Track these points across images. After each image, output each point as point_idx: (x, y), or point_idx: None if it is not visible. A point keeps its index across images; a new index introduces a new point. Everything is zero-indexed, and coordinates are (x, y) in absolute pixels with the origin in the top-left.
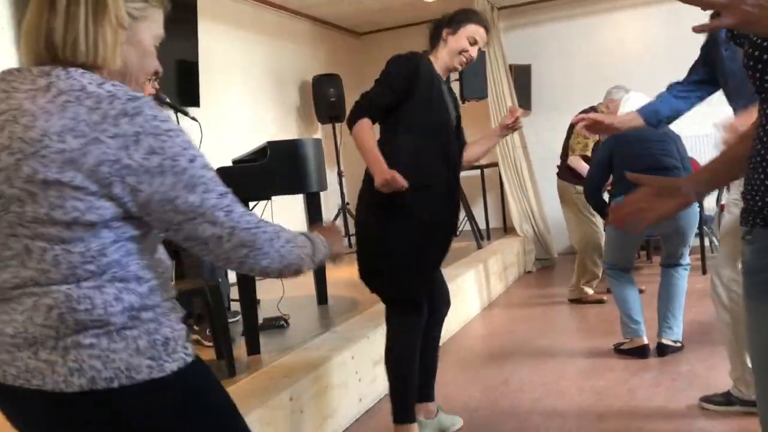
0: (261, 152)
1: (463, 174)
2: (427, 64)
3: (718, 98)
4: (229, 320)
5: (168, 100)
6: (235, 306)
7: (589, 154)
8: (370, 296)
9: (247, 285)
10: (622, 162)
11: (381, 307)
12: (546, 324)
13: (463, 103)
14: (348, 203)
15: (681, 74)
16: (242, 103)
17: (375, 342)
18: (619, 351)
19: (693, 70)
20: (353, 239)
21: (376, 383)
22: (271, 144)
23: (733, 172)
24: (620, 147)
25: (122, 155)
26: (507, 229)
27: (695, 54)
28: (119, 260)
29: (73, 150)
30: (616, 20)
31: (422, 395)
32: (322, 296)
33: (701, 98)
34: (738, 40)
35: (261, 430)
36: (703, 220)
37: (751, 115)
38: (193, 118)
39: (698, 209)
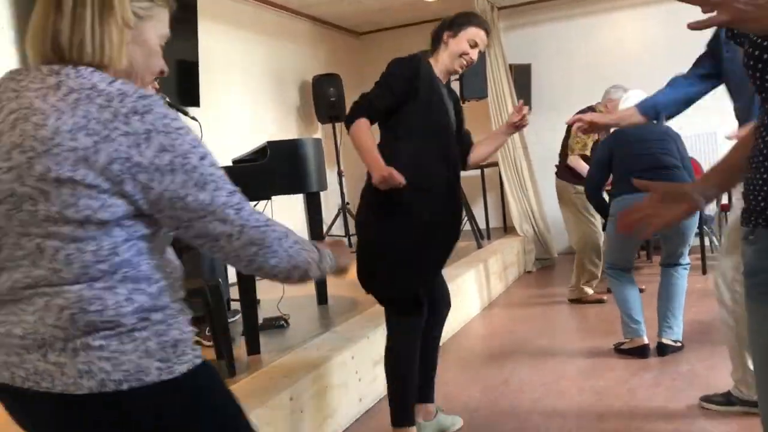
0: (261, 152)
1: (463, 174)
2: (426, 66)
3: (719, 97)
4: (229, 320)
5: (168, 99)
6: (235, 306)
7: (588, 153)
8: (370, 296)
9: (247, 285)
10: (621, 161)
11: (381, 307)
12: (546, 324)
13: (464, 102)
14: (348, 203)
15: (678, 73)
16: (242, 103)
17: (375, 342)
18: (620, 351)
19: (698, 62)
20: (353, 239)
21: (376, 383)
22: (271, 144)
23: (739, 176)
24: (620, 146)
25: (133, 153)
26: (507, 229)
27: (694, 53)
28: (131, 259)
29: (86, 148)
30: (615, 20)
31: (422, 396)
32: (322, 296)
33: (704, 92)
34: (738, 39)
35: (261, 430)
36: (703, 220)
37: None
38: (193, 118)
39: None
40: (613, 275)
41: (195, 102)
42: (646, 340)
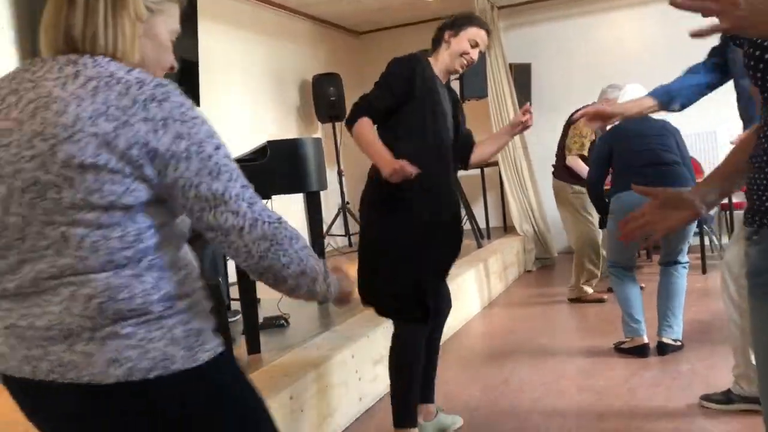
0: (261, 151)
1: (463, 173)
2: (426, 66)
3: (719, 97)
4: (229, 319)
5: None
6: (235, 305)
7: (585, 153)
8: None
9: (247, 285)
10: (621, 157)
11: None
12: (546, 323)
13: (464, 102)
14: (348, 203)
15: (677, 72)
16: (242, 103)
17: (375, 341)
18: (620, 350)
19: (713, 52)
20: (353, 238)
21: (377, 382)
22: (271, 143)
23: (740, 180)
24: (619, 142)
25: (151, 138)
26: (507, 229)
27: (693, 52)
28: (155, 246)
29: (106, 133)
30: (613, 20)
31: (422, 396)
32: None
33: (718, 82)
34: (737, 41)
35: None
36: (703, 220)
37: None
38: None
39: None
40: (615, 274)
41: (195, 102)
42: (646, 340)
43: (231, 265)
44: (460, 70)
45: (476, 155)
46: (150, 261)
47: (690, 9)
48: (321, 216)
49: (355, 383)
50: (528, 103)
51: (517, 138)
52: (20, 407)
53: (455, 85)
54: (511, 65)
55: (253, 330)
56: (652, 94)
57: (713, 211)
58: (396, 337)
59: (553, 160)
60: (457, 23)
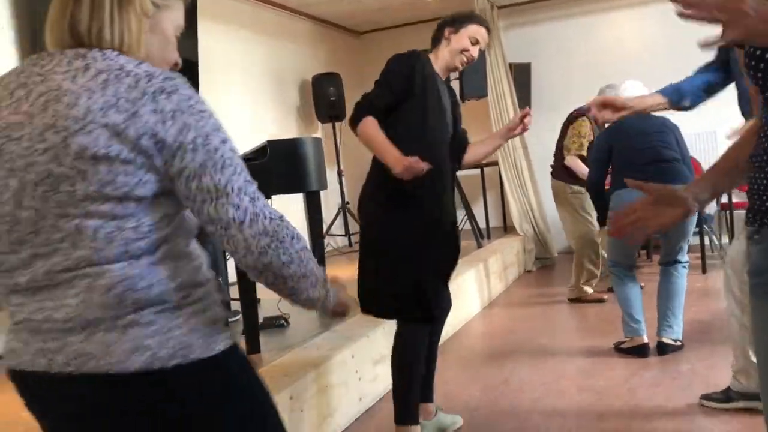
0: (261, 151)
1: (463, 173)
2: (425, 62)
3: (718, 96)
4: (229, 319)
5: None
6: (235, 305)
7: (584, 153)
8: None
9: (247, 284)
10: (621, 155)
11: None
12: (546, 323)
13: (463, 101)
14: (348, 202)
15: (679, 72)
16: (242, 103)
17: (375, 341)
18: (619, 350)
19: (721, 52)
20: (353, 238)
21: (377, 382)
22: (270, 143)
23: (734, 179)
24: (619, 140)
25: (159, 129)
26: (507, 229)
27: (693, 52)
28: (169, 236)
29: (117, 124)
30: (613, 19)
31: (422, 396)
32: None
33: (727, 80)
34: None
35: None
36: (703, 219)
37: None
38: None
39: None
40: (616, 273)
41: None
42: (645, 339)
43: (231, 266)
44: (460, 67)
45: (469, 155)
46: (165, 251)
47: (697, 20)
48: (321, 216)
49: (355, 383)
50: (528, 107)
51: (517, 138)
52: (28, 405)
53: (455, 85)
54: (510, 65)
55: (253, 330)
56: (662, 92)
57: (713, 211)
58: (398, 336)
59: (553, 160)
60: (458, 20)
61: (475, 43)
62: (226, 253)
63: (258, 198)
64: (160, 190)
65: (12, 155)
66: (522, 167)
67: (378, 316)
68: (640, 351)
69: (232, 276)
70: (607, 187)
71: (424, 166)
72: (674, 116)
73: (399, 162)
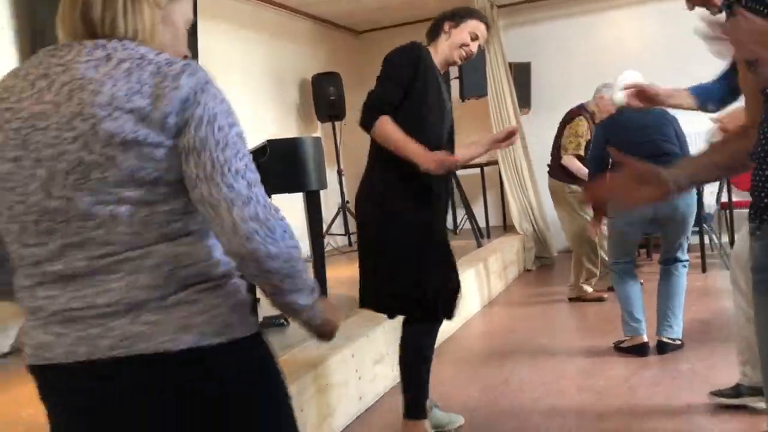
0: (261, 151)
1: (463, 172)
2: (427, 55)
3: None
4: None
5: None
6: None
7: (582, 153)
8: None
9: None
10: (619, 149)
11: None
12: (546, 322)
13: (463, 101)
14: (348, 202)
15: (679, 72)
16: (242, 103)
17: (375, 340)
18: (619, 349)
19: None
20: (353, 237)
21: (376, 381)
22: (270, 142)
23: (715, 173)
24: (616, 134)
25: (179, 108)
26: (507, 228)
27: (693, 51)
28: (200, 218)
29: (142, 108)
30: (613, 18)
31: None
32: (321, 294)
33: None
34: None
35: None
36: (703, 218)
37: (736, 116)
38: None
39: (696, 197)
40: (616, 271)
41: None
42: (645, 339)
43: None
44: (459, 62)
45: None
46: (200, 231)
47: (733, 56)
48: (321, 215)
49: (355, 382)
50: (516, 128)
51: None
52: (54, 402)
53: (455, 84)
54: (510, 64)
55: None
56: (692, 91)
57: (713, 210)
58: (404, 333)
59: (550, 160)
60: (459, 15)
61: (475, 38)
62: None
63: (256, 185)
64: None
65: (38, 145)
66: (522, 167)
67: (377, 311)
68: (639, 350)
69: None
70: None
71: (456, 158)
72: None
73: (429, 158)
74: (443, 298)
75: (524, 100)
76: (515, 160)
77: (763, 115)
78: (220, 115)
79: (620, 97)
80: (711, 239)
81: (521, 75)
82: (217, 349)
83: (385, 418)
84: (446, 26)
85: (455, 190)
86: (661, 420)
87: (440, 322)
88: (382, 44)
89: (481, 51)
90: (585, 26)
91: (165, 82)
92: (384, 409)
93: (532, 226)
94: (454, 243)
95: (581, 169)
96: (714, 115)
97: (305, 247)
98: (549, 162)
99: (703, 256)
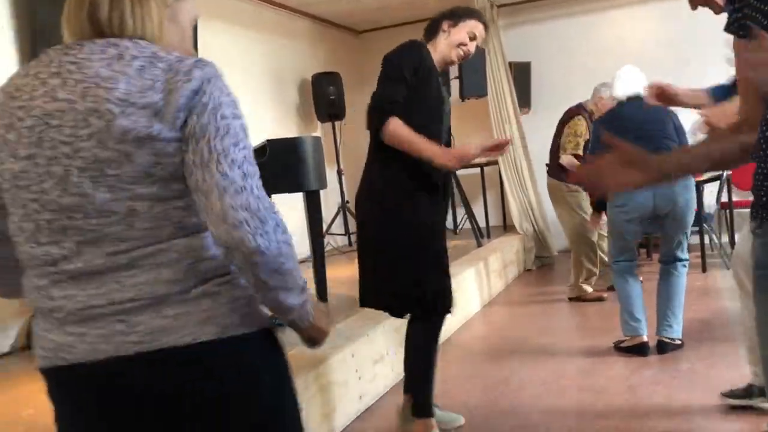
0: (260, 150)
1: (463, 172)
2: (428, 53)
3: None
4: None
5: None
6: None
7: (581, 152)
8: None
9: None
10: None
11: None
12: (546, 322)
13: (463, 100)
14: (348, 201)
15: (678, 71)
16: (242, 102)
17: (375, 340)
18: (619, 348)
19: None
20: (353, 237)
21: (376, 381)
22: (270, 142)
23: (705, 165)
24: (615, 130)
25: (190, 99)
26: (507, 227)
27: (693, 51)
28: None
29: (155, 103)
30: (614, 18)
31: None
32: (322, 294)
33: None
34: (741, 32)
35: None
36: (703, 218)
37: (723, 112)
38: None
39: (695, 194)
40: (617, 269)
41: None
42: (645, 338)
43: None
44: (457, 62)
45: None
46: None
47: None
48: (321, 215)
49: (355, 382)
50: (509, 139)
51: (516, 136)
52: (65, 403)
53: (455, 84)
54: (510, 64)
55: None
56: (711, 92)
57: (713, 210)
58: (408, 332)
59: (549, 159)
60: (458, 14)
61: (473, 38)
62: None
63: (252, 177)
64: None
65: (53, 142)
66: (522, 166)
67: (377, 309)
68: (639, 350)
69: None
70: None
71: (475, 152)
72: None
73: (446, 155)
74: (442, 296)
75: (524, 100)
76: (515, 159)
77: (764, 114)
78: (225, 105)
79: (620, 91)
80: (711, 239)
81: (521, 75)
82: (245, 337)
83: (385, 417)
84: (445, 25)
85: (455, 190)
86: (660, 419)
87: (444, 319)
88: (382, 44)
89: (481, 51)
90: (585, 26)
91: (177, 76)
92: (384, 409)
93: (532, 225)
94: (454, 243)
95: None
96: (701, 110)
97: (305, 247)
98: (547, 162)
99: (703, 256)
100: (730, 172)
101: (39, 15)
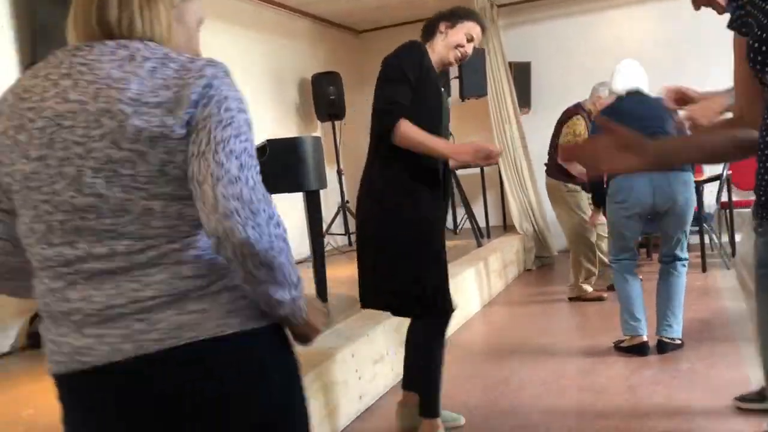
0: (260, 150)
1: (463, 172)
2: (426, 54)
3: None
4: None
5: None
6: None
7: None
8: None
9: None
10: None
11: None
12: (546, 322)
13: (463, 100)
14: (348, 201)
15: (678, 71)
16: None
17: (375, 340)
18: (619, 348)
19: None
20: (353, 237)
21: (376, 381)
22: (270, 142)
23: (697, 156)
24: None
25: (200, 94)
26: (507, 227)
27: (693, 51)
28: None
29: (168, 101)
30: (613, 18)
31: (414, 385)
32: (322, 294)
33: None
34: (743, 29)
35: None
36: (703, 218)
37: (706, 109)
38: None
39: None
40: (617, 268)
41: None
42: (645, 338)
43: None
44: (454, 63)
45: None
46: None
47: None
48: (321, 215)
49: (355, 382)
50: (500, 149)
51: (516, 136)
52: (83, 409)
53: (455, 84)
54: (510, 64)
55: None
56: (728, 91)
57: (713, 209)
58: (426, 349)
59: (547, 159)
60: (455, 15)
61: (470, 39)
62: None
63: (250, 169)
64: None
65: (66, 143)
66: (522, 166)
67: (377, 309)
68: (639, 349)
69: None
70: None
71: (496, 149)
72: None
73: (467, 150)
74: (442, 292)
75: (524, 99)
76: (515, 159)
77: (765, 115)
78: (231, 99)
79: (620, 85)
80: (711, 239)
81: (521, 75)
82: (263, 330)
83: (386, 417)
84: (442, 26)
85: (455, 190)
86: (660, 419)
87: (447, 318)
88: (381, 44)
89: (481, 51)
90: (585, 26)
91: (190, 74)
92: (384, 409)
93: (532, 225)
94: (454, 243)
95: (578, 169)
96: (686, 107)
97: (305, 247)
98: (546, 161)
99: (703, 256)
100: (729, 172)
101: (39, 15)
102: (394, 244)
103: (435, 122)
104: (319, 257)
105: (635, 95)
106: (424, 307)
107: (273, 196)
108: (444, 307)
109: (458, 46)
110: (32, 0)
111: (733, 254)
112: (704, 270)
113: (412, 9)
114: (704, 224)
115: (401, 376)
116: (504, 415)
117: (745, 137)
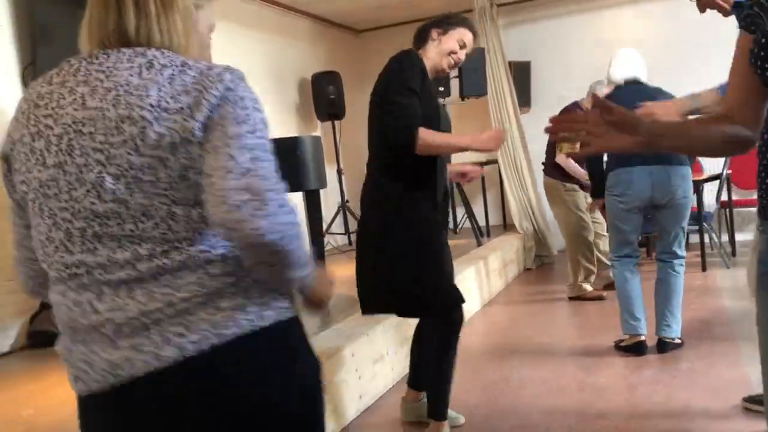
0: None
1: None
2: (422, 61)
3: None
4: None
5: None
6: None
7: (577, 151)
8: None
9: None
10: None
11: None
12: (546, 321)
13: (463, 100)
14: (348, 201)
15: (678, 70)
16: None
17: (375, 339)
18: (619, 348)
19: None
20: (353, 237)
21: (376, 380)
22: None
23: (687, 144)
24: None
25: (219, 99)
26: (507, 227)
27: (692, 50)
28: None
29: (188, 106)
30: (613, 17)
31: (413, 383)
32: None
33: None
34: (751, 27)
35: None
36: (703, 217)
37: (666, 107)
38: None
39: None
40: (617, 266)
41: None
42: (643, 337)
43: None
44: (447, 70)
45: None
46: None
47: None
48: (320, 214)
49: (355, 381)
50: (482, 167)
51: (516, 136)
52: (116, 424)
53: (454, 84)
54: (510, 63)
55: None
56: (722, 91)
57: (713, 209)
58: (441, 351)
59: (545, 158)
60: (447, 22)
61: (463, 46)
62: None
63: (263, 161)
64: None
65: (85, 149)
66: (521, 166)
67: (379, 313)
68: (639, 349)
69: None
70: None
71: (503, 134)
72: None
73: (482, 139)
74: (443, 294)
75: (524, 99)
76: (515, 159)
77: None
78: (248, 99)
79: (618, 74)
80: (711, 238)
81: (521, 74)
82: (288, 323)
83: (385, 416)
84: (434, 33)
85: (455, 190)
86: (660, 419)
87: (451, 318)
88: (381, 43)
89: (481, 50)
90: (585, 25)
91: (209, 79)
92: (384, 408)
93: (532, 224)
94: (454, 242)
95: (575, 168)
96: (649, 103)
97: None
98: (543, 161)
99: (703, 255)
100: (729, 171)
101: (39, 15)
102: (394, 243)
103: (434, 128)
104: (319, 257)
105: (633, 84)
106: (425, 307)
107: None
108: (445, 307)
109: (451, 52)
110: (32, 0)
111: (733, 253)
112: (704, 269)
113: (412, 9)
114: (704, 223)
115: (401, 376)
116: (504, 415)
117: (733, 133)
